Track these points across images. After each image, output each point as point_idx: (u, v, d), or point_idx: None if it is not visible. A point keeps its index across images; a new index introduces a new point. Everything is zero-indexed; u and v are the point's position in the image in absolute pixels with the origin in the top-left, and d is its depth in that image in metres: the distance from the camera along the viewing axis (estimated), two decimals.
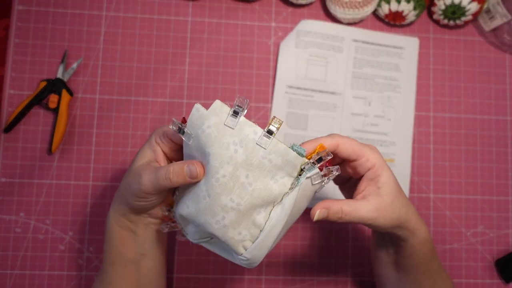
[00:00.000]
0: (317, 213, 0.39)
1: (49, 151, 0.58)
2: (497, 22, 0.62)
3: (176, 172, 0.39)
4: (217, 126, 0.37)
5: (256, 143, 0.37)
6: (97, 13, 0.60)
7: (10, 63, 0.59)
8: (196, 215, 0.39)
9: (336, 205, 0.40)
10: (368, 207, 0.40)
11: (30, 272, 0.56)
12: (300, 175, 0.38)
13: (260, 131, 0.37)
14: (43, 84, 0.57)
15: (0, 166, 0.57)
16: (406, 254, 0.45)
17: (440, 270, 0.48)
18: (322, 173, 0.38)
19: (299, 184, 0.38)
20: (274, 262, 0.59)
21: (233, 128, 0.37)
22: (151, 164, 0.42)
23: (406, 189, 0.61)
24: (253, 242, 0.38)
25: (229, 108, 0.38)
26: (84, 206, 0.58)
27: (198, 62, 0.61)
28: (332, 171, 0.39)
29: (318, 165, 0.38)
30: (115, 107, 0.59)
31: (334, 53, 0.62)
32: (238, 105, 0.37)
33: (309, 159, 0.38)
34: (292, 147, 0.38)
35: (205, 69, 0.61)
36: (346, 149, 0.41)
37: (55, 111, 0.57)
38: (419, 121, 0.63)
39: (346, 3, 0.59)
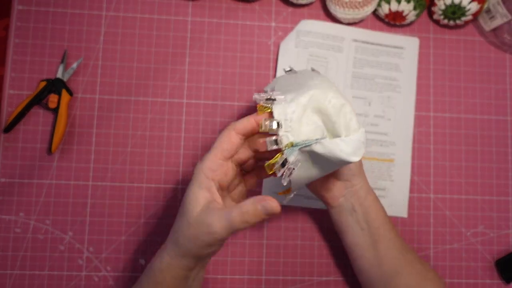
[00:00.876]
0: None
1: (49, 151, 0.58)
2: (497, 22, 0.61)
3: (252, 213, 0.37)
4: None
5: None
6: (97, 13, 0.60)
7: (10, 63, 0.59)
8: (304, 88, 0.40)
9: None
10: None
11: (29, 272, 0.56)
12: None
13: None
14: (43, 84, 0.57)
15: None
16: (372, 215, 0.48)
17: (405, 244, 0.51)
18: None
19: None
20: (274, 262, 0.59)
21: None
22: (212, 207, 0.38)
23: (406, 189, 0.61)
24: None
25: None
26: (84, 206, 0.58)
27: (198, 62, 0.61)
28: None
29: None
30: (115, 107, 0.59)
31: (334, 53, 0.62)
32: None
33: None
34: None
35: (205, 69, 0.61)
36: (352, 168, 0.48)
37: (55, 111, 0.57)
38: (419, 121, 0.63)
39: (346, 3, 0.59)
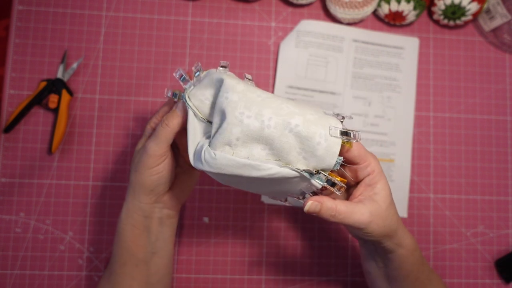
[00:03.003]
0: (309, 204, 0.38)
1: (49, 151, 0.58)
2: (497, 22, 0.62)
3: (162, 111, 0.45)
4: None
5: (330, 133, 0.37)
6: (97, 13, 0.60)
7: (10, 63, 0.59)
8: (233, 93, 0.38)
9: (331, 201, 0.39)
10: (363, 210, 0.40)
11: (30, 272, 0.56)
12: (311, 173, 0.38)
13: (340, 126, 0.38)
14: (43, 84, 0.57)
15: (0, 166, 0.57)
16: (395, 266, 0.45)
17: (430, 277, 0.48)
18: (319, 189, 0.39)
19: (302, 173, 0.38)
20: (274, 262, 0.59)
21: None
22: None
23: (406, 189, 0.61)
24: (232, 155, 0.37)
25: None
26: (84, 206, 0.58)
27: (198, 62, 0.61)
28: (334, 191, 0.39)
29: (325, 184, 0.38)
30: (115, 107, 0.59)
31: (334, 53, 0.62)
32: None
33: (330, 175, 0.38)
34: (338, 159, 0.38)
35: (205, 69, 0.61)
36: (353, 151, 0.41)
37: (55, 111, 0.57)
38: (419, 121, 0.63)
39: (346, 3, 0.59)
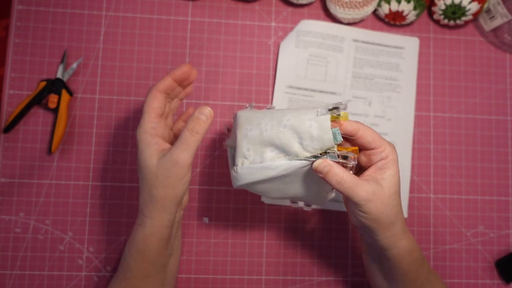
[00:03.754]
0: (319, 162, 0.40)
1: (49, 151, 0.58)
2: (498, 22, 0.61)
3: (196, 123, 0.43)
4: None
5: (318, 113, 0.40)
6: (96, 13, 0.60)
7: (10, 63, 0.59)
8: (244, 115, 0.43)
9: (340, 169, 0.40)
10: (368, 187, 0.40)
11: (29, 272, 0.56)
12: (320, 155, 0.40)
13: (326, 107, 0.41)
14: (43, 84, 0.57)
15: None
16: (390, 264, 0.45)
17: (430, 278, 0.47)
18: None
19: (311, 160, 0.40)
20: (274, 262, 0.59)
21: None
22: (166, 151, 0.43)
23: (406, 189, 0.61)
24: (249, 164, 0.42)
25: None
26: (84, 206, 0.58)
27: (198, 62, 0.61)
28: (348, 165, 0.41)
29: (336, 160, 0.40)
30: (115, 107, 0.59)
31: (334, 53, 0.62)
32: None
33: (339, 150, 0.40)
34: (333, 130, 0.40)
35: (205, 69, 0.61)
36: (367, 136, 0.42)
37: (55, 111, 0.57)
38: (419, 121, 0.63)
39: (346, 3, 0.59)
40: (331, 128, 0.39)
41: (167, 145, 0.44)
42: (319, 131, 0.39)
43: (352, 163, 0.40)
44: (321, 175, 0.40)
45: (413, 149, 0.62)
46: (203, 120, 0.43)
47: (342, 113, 0.41)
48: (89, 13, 0.60)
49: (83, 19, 0.60)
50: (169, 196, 0.43)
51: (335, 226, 0.60)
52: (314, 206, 0.49)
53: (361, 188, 0.40)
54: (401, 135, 0.62)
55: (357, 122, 0.42)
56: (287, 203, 0.59)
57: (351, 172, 0.41)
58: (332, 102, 0.42)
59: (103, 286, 0.57)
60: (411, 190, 0.61)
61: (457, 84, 0.64)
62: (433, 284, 0.48)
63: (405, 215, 0.61)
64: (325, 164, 0.39)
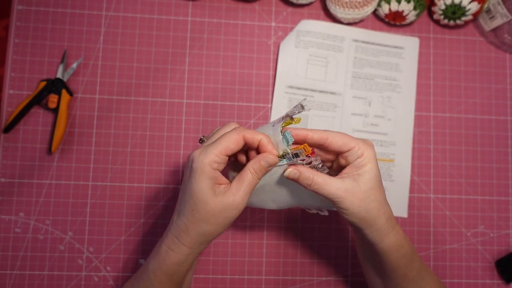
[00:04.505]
0: (289, 171, 0.42)
1: (49, 151, 0.58)
2: (498, 22, 0.61)
3: (258, 168, 0.42)
4: None
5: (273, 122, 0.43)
6: (96, 13, 0.60)
7: (10, 63, 0.59)
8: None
9: (308, 172, 0.42)
10: (339, 185, 0.41)
11: (29, 272, 0.56)
12: (280, 157, 0.42)
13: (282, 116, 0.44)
14: (43, 84, 0.57)
15: None
16: (380, 259, 0.45)
17: (422, 274, 0.47)
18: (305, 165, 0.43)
19: (277, 164, 0.42)
20: (274, 262, 0.59)
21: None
22: (223, 187, 0.42)
23: (406, 189, 0.61)
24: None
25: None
26: (84, 206, 0.58)
27: (198, 62, 0.61)
28: (317, 166, 0.43)
29: (298, 159, 0.41)
30: (115, 107, 0.59)
31: (334, 53, 0.62)
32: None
33: (292, 150, 0.41)
34: (284, 133, 0.41)
35: (205, 69, 0.61)
36: (336, 141, 0.43)
37: (55, 111, 0.57)
38: (419, 121, 0.63)
39: (346, 3, 0.59)
40: (282, 132, 0.42)
41: (224, 181, 0.43)
42: (274, 137, 0.42)
43: (315, 163, 0.42)
44: (294, 180, 0.42)
45: (413, 149, 0.62)
46: (264, 167, 0.42)
47: (296, 118, 0.43)
48: (89, 13, 0.60)
49: (83, 19, 0.60)
50: (217, 233, 0.43)
51: (335, 226, 0.60)
52: (326, 210, 0.49)
53: (331, 187, 0.41)
54: (401, 135, 0.62)
55: (325, 131, 0.43)
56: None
57: (325, 172, 0.43)
58: (291, 108, 0.45)
59: (103, 286, 0.57)
60: (411, 190, 0.61)
61: (457, 84, 0.64)
62: (426, 281, 0.48)
63: (405, 215, 0.61)
64: (294, 172, 0.42)
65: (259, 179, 0.42)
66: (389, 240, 0.44)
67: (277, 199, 0.46)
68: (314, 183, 0.41)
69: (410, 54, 0.63)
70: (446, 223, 0.61)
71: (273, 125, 0.43)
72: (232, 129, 0.43)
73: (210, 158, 0.41)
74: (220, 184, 0.42)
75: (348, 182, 0.42)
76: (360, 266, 0.59)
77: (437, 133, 0.63)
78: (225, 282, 0.58)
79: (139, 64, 0.60)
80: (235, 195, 0.41)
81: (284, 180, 0.43)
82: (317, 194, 0.42)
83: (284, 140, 0.42)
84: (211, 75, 0.61)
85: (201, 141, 0.46)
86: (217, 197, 0.41)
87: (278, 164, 0.42)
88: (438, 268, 0.60)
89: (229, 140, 0.42)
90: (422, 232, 0.61)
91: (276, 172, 0.43)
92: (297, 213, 0.60)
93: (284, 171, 0.42)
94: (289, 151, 0.41)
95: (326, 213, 0.49)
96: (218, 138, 0.42)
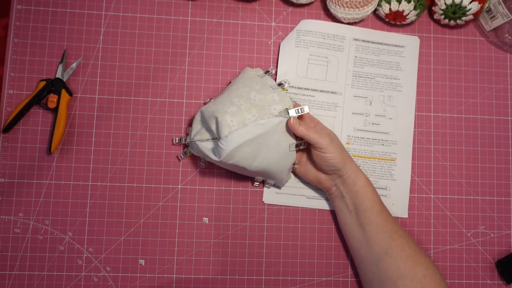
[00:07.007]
0: (293, 119, 0.52)
1: (48, 151, 0.57)
2: (498, 21, 0.61)
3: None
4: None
5: (271, 86, 0.54)
6: (96, 13, 0.60)
7: (9, 63, 0.58)
8: (211, 106, 0.52)
9: (305, 126, 0.52)
10: (325, 136, 0.53)
11: (29, 272, 0.56)
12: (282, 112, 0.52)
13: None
14: (42, 83, 0.57)
15: None
16: (360, 199, 0.54)
17: (387, 211, 0.55)
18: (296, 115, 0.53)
19: (286, 116, 0.52)
20: (274, 262, 0.59)
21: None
22: None
23: (406, 189, 0.61)
24: (236, 130, 0.50)
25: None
26: (84, 206, 0.57)
27: (198, 62, 0.61)
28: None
29: (296, 110, 0.52)
30: (115, 107, 0.59)
31: (335, 52, 0.62)
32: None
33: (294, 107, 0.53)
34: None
35: (205, 69, 0.61)
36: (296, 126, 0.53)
37: (54, 111, 0.57)
38: (420, 121, 0.63)
39: (346, 2, 0.58)
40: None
41: None
42: (280, 97, 0.53)
43: (294, 112, 0.53)
44: (293, 128, 0.52)
45: (414, 149, 0.62)
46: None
47: (285, 87, 0.55)
48: (89, 13, 0.60)
49: (83, 18, 0.60)
50: None
51: (335, 226, 0.60)
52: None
53: (322, 137, 0.53)
54: (401, 134, 0.62)
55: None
56: (287, 203, 0.59)
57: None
58: (276, 82, 0.55)
59: (103, 286, 0.57)
60: (411, 190, 0.61)
61: (457, 83, 0.64)
62: (399, 232, 0.54)
63: (406, 215, 0.61)
64: (296, 120, 0.52)
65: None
66: (362, 177, 0.54)
67: (257, 156, 0.51)
68: (310, 130, 0.52)
69: (411, 53, 0.63)
70: (446, 223, 0.61)
71: (273, 88, 0.54)
72: None
73: None
74: None
75: (328, 138, 0.54)
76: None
77: (437, 133, 0.63)
78: (225, 282, 0.58)
79: (139, 64, 0.60)
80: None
81: (275, 138, 0.52)
82: (307, 140, 0.52)
83: (292, 100, 0.54)
84: (211, 75, 0.61)
85: (180, 141, 0.56)
86: None
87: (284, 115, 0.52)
88: (439, 268, 0.60)
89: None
90: (422, 232, 0.61)
91: (273, 130, 0.51)
92: (297, 213, 0.60)
93: (279, 124, 0.51)
94: (293, 107, 0.53)
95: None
96: None
